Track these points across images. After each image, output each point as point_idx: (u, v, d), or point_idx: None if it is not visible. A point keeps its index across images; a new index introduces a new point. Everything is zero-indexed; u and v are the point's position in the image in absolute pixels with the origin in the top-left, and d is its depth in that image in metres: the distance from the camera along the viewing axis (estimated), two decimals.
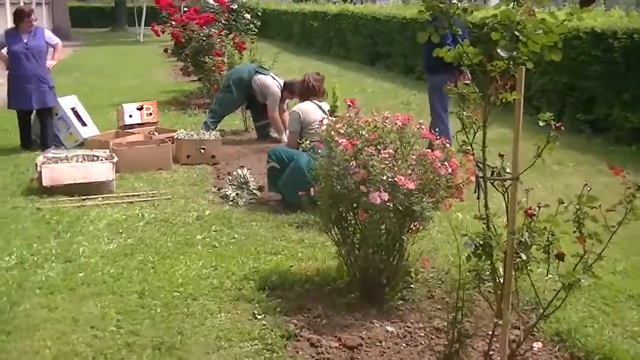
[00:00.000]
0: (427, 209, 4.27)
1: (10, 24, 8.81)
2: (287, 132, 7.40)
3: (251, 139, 9.99)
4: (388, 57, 18.55)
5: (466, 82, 8.07)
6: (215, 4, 13.20)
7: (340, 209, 4.63)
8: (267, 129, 9.95)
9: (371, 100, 13.32)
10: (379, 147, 4.52)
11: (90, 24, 40.34)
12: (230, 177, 7.23)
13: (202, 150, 8.30)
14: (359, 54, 20.43)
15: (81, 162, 7.22)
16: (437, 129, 8.01)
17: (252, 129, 10.29)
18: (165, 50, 13.28)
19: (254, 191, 6.96)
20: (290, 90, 9.44)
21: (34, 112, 9.04)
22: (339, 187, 4.42)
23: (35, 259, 5.30)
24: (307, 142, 6.03)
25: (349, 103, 4.80)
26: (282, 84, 9.51)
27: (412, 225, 4.47)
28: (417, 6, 17.49)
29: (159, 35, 13.53)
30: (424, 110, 12.22)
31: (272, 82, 9.52)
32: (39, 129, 9.03)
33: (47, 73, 8.91)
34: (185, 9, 13.29)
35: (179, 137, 8.44)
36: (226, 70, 11.09)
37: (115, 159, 7.26)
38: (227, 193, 6.94)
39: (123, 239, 5.79)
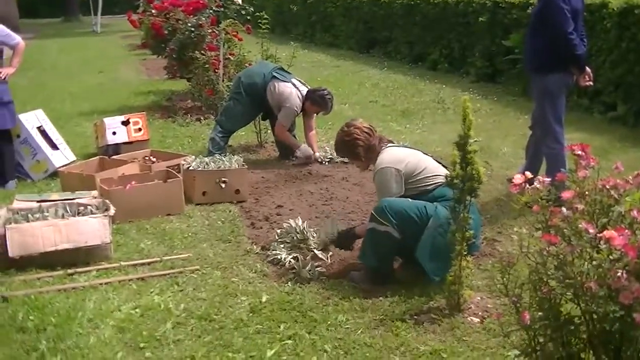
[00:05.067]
0: None
1: None
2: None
3: (272, 158, 7.74)
4: (387, 43, 16.41)
5: (589, 82, 5.73)
6: None
7: (575, 347, 2.57)
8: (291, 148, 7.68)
9: (393, 99, 11.19)
10: None
11: (39, 14, 37.13)
12: (279, 232, 5.05)
13: (223, 185, 6.08)
14: (350, 41, 18.26)
15: (62, 216, 4.98)
16: (547, 150, 5.85)
17: (266, 144, 8.09)
18: (144, 46, 10.90)
19: (319, 254, 4.77)
20: (315, 101, 7.27)
21: None
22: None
23: None
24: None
25: (579, 152, 2.64)
26: (303, 94, 7.33)
27: None
28: None
29: (136, 27, 11.16)
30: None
31: (292, 91, 7.26)
32: None
33: (2, 84, 6.54)
34: None
35: (190, 167, 6.19)
36: (234, 70, 8.83)
37: (113, 211, 5.00)
38: (279, 257, 4.77)
39: None
